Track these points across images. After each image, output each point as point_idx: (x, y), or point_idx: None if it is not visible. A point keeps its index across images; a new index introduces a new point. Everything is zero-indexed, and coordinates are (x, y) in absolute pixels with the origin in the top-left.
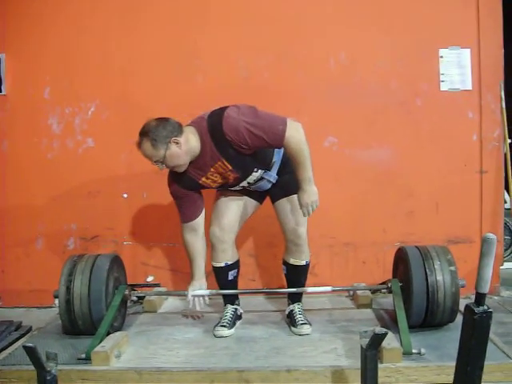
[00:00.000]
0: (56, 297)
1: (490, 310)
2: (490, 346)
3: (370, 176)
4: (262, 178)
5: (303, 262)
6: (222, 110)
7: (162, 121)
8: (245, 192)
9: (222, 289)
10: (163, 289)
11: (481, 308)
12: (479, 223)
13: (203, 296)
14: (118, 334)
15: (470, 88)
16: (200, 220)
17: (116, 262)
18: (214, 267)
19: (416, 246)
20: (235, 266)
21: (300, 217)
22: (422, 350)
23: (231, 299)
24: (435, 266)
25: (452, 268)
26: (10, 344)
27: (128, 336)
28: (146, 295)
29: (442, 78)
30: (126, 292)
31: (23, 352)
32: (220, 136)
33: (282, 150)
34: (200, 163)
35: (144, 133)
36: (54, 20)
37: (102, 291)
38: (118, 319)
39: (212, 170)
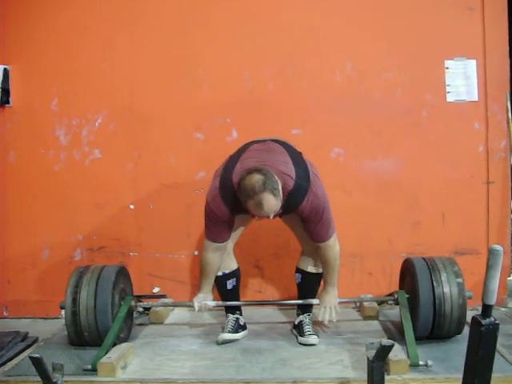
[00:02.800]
0: (62, 308)
1: (496, 321)
2: (497, 358)
3: (376, 187)
4: None
5: (320, 270)
6: (306, 181)
7: (264, 172)
8: None
9: (222, 298)
10: (169, 300)
11: (487, 320)
12: (486, 234)
13: (208, 306)
14: (123, 345)
15: (476, 99)
16: (227, 242)
17: (122, 273)
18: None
19: (423, 258)
20: (233, 274)
21: None
22: (429, 362)
23: (232, 309)
24: (442, 278)
25: (459, 280)
26: (17, 355)
27: (134, 347)
28: (152, 306)
29: (447, 89)
30: (132, 303)
31: (29, 363)
32: (296, 201)
33: None
34: None
35: (261, 189)
36: (60, 32)
37: (108, 303)
38: (124, 330)
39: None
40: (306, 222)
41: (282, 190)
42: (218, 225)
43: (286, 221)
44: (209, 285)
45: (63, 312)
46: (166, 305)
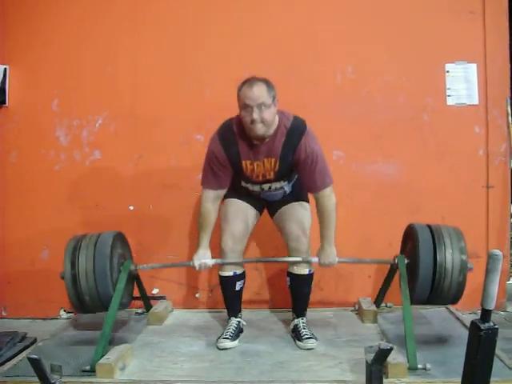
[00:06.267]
0: (62, 278)
1: (495, 326)
2: (496, 363)
3: (376, 190)
4: (281, 188)
5: (306, 271)
6: (304, 122)
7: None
8: (252, 200)
9: (227, 299)
10: (168, 302)
11: (486, 324)
12: (485, 238)
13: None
14: (122, 346)
15: (477, 103)
16: (224, 192)
17: (119, 238)
18: (221, 277)
19: (428, 225)
20: (242, 276)
21: (304, 224)
22: (428, 366)
23: (235, 311)
24: (446, 246)
25: (462, 244)
26: (15, 355)
27: (133, 348)
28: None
29: (448, 92)
30: (132, 268)
31: (28, 363)
32: (294, 141)
33: None
34: (258, 149)
35: (259, 78)
36: (60, 32)
37: (107, 265)
38: (125, 296)
39: (262, 161)
40: (303, 171)
41: (281, 124)
42: (215, 169)
43: (279, 217)
44: (207, 239)
45: (62, 312)
46: (165, 266)
